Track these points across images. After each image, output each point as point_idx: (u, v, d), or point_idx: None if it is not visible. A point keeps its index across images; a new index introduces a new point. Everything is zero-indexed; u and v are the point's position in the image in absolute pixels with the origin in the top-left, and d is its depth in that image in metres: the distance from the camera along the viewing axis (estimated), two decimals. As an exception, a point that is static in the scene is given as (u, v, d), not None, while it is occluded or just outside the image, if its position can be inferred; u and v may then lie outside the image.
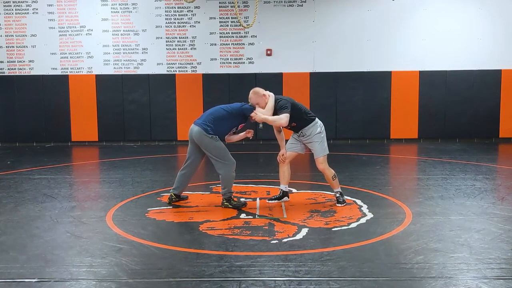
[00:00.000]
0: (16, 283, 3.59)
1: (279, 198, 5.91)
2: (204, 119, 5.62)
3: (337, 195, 5.78)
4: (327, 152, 5.73)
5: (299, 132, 5.72)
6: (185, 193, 6.09)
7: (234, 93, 11.44)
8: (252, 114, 5.57)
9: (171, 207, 5.77)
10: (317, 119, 5.75)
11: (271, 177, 5.94)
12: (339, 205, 5.69)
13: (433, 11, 11.66)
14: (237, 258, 4.03)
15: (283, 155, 5.79)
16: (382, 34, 11.74)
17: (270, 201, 5.90)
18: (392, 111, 11.86)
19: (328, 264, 3.86)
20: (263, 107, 5.59)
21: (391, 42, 11.77)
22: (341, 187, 5.83)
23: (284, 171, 5.85)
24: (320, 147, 5.66)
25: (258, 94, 5.63)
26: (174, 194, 5.86)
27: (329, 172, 5.70)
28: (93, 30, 11.85)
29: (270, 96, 5.62)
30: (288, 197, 5.95)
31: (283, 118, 5.44)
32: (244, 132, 5.89)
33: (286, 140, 5.88)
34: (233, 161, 5.63)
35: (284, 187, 5.90)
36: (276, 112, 5.57)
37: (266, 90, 5.73)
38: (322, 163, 5.67)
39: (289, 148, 5.82)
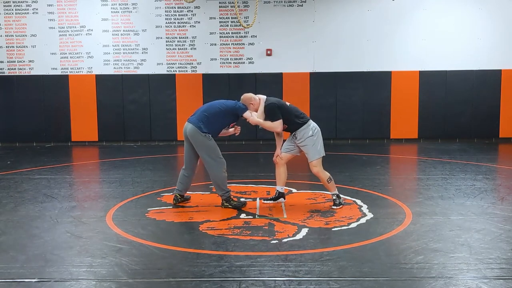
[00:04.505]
0: (16, 283, 3.59)
1: (274, 199, 5.90)
2: (198, 116, 5.61)
3: (334, 197, 5.70)
4: (322, 154, 5.64)
5: (292, 135, 5.71)
6: (187, 193, 6.08)
7: (234, 93, 11.36)
8: (247, 115, 5.59)
9: (171, 207, 5.76)
10: (310, 121, 5.67)
11: (271, 177, 5.94)
12: (335, 207, 5.63)
13: (432, 11, 11.66)
14: (237, 258, 4.02)
15: (278, 156, 5.77)
16: (382, 34, 11.74)
17: (265, 201, 5.91)
18: (392, 111, 11.85)
19: (328, 264, 3.86)
20: (256, 111, 5.64)
21: (391, 42, 11.76)
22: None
23: (281, 173, 5.83)
24: (312, 150, 5.57)
25: (247, 101, 5.66)
26: (178, 194, 5.86)
27: (324, 175, 5.61)
28: (93, 30, 11.84)
29: (261, 100, 5.63)
30: (284, 198, 5.93)
31: (278, 126, 5.55)
32: (233, 129, 5.91)
33: (285, 140, 5.86)
34: (223, 161, 5.63)
35: (280, 188, 5.89)
36: (266, 118, 5.60)
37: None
38: (315, 167, 5.59)
39: (285, 150, 5.77)
